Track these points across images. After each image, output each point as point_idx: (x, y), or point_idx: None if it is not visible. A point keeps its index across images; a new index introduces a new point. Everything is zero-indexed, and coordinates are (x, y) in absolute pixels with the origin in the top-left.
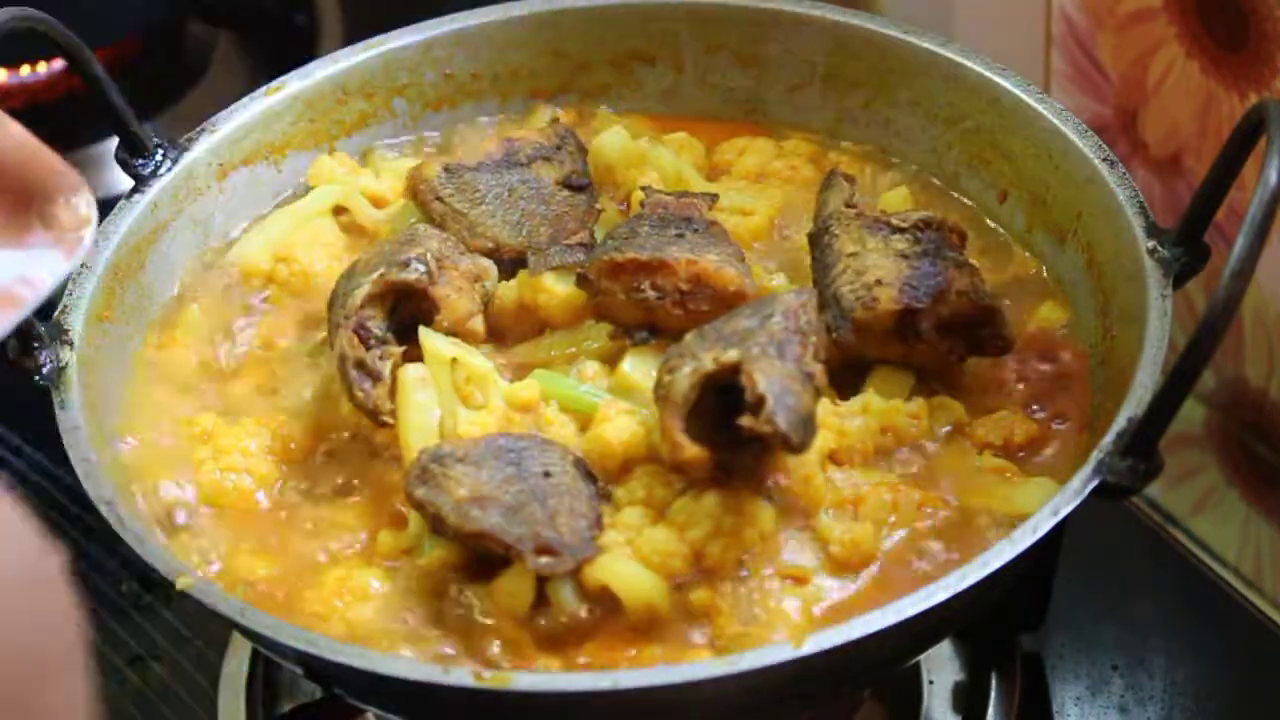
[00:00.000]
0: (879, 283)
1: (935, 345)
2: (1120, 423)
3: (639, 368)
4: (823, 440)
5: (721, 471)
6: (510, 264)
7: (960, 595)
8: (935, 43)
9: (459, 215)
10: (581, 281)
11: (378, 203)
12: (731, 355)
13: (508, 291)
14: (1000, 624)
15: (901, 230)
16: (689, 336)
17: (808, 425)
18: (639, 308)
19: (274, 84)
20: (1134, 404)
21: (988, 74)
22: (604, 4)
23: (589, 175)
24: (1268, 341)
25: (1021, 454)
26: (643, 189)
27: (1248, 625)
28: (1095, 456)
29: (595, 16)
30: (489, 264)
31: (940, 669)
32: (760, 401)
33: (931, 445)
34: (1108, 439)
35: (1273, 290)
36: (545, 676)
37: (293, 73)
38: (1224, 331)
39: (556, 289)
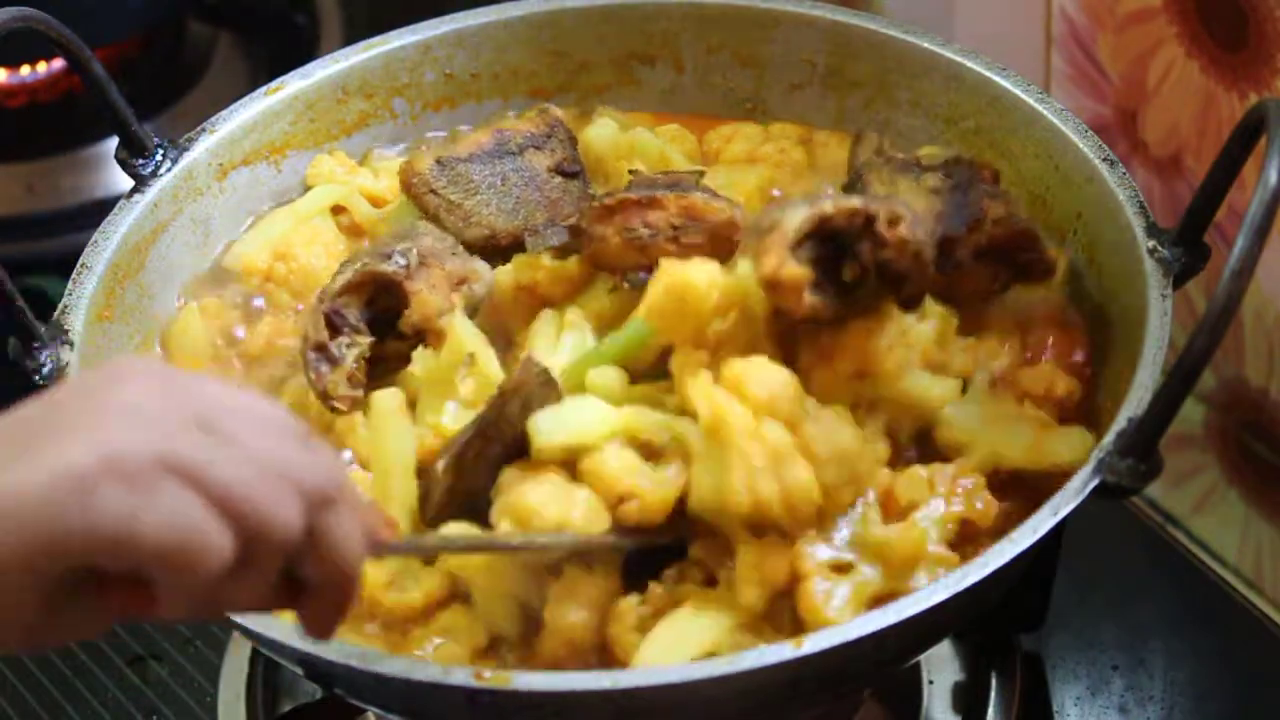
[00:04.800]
0: None
1: (976, 274)
2: (1120, 423)
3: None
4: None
5: (820, 315)
6: (508, 250)
7: (960, 595)
8: (935, 43)
9: (454, 206)
10: (574, 232)
11: (376, 202)
12: (855, 201)
13: (504, 277)
14: (1000, 624)
15: (932, 169)
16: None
17: (930, 259)
18: (633, 248)
19: (274, 84)
20: (1134, 404)
21: (988, 74)
22: (604, 4)
23: (580, 162)
24: (1268, 341)
25: (1058, 407)
26: (630, 172)
27: (1248, 625)
28: (1095, 456)
29: (595, 16)
30: (483, 268)
31: (940, 669)
32: (896, 219)
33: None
34: (1108, 439)
35: (1273, 290)
36: (545, 676)
37: (293, 73)
38: (1224, 331)
39: (551, 268)
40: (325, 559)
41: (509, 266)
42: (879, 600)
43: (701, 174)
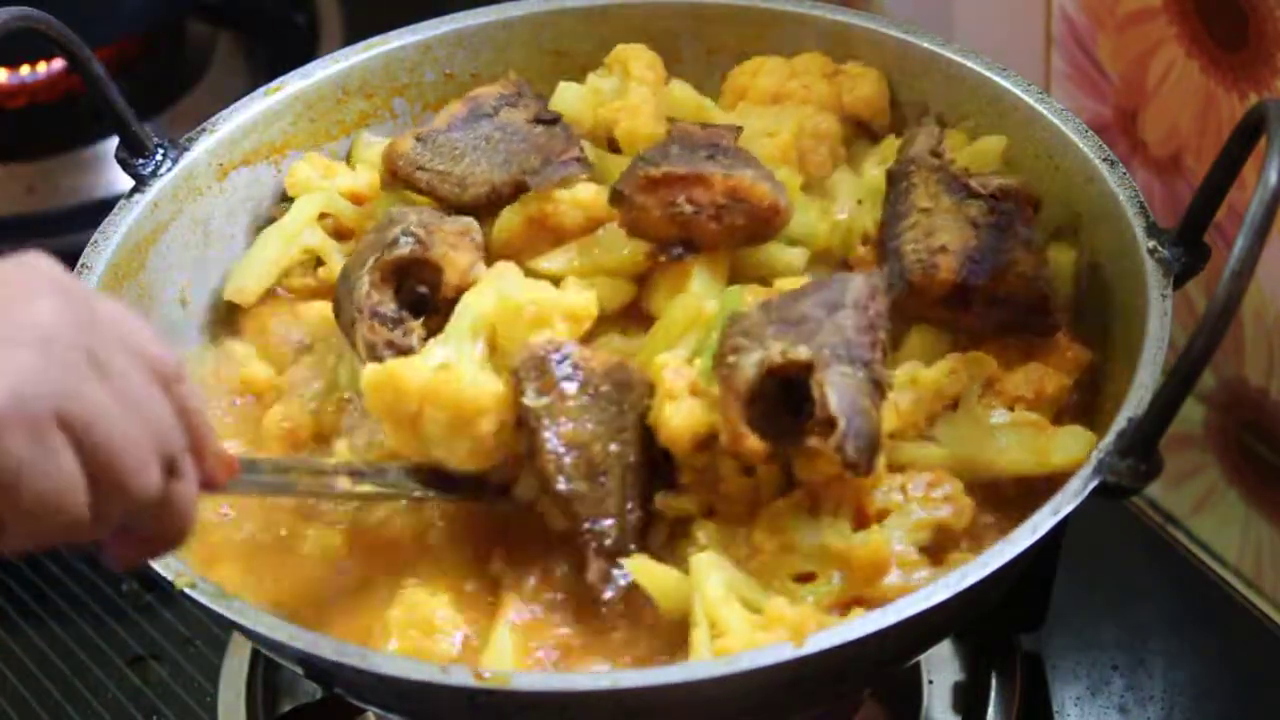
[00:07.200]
0: (943, 249)
1: (982, 315)
2: (1120, 423)
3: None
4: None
5: (779, 459)
6: (513, 200)
7: (960, 595)
8: (935, 43)
9: (445, 175)
10: (615, 198)
11: (358, 199)
12: (802, 353)
13: (511, 216)
14: (1000, 624)
15: (979, 196)
16: (754, 314)
17: (874, 450)
18: (674, 223)
19: (274, 84)
20: (1134, 404)
21: (988, 74)
22: (604, 4)
23: (554, 113)
24: (1268, 341)
25: (1052, 406)
26: (669, 119)
27: (1248, 625)
28: (1095, 456)
29: (595, 16)
30: (470, 220)
31: (940, 669)
32: (832, 424)
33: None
34: (1108, 439)
35: (1273, 290)
36: (545, 676)
37: (293, 73)
38: (1224, 331)
39: (565, 198)
40: (166, 519)
41: (515, 205)
42: (845, 605)
43: (739, 130)
